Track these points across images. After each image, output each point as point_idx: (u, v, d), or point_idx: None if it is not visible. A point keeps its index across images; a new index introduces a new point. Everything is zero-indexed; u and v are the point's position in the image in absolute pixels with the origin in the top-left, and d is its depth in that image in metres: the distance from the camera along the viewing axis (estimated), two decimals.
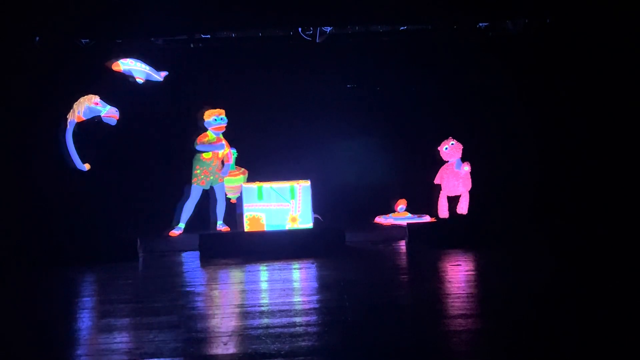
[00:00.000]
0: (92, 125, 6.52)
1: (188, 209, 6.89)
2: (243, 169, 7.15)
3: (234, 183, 7.03)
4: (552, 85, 7.37)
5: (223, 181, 6.99)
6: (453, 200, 7.07)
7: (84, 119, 6.46)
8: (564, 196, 6.99)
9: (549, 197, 7.05)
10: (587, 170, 7.06)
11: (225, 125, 6.88)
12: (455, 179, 6.97)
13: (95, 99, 6.47)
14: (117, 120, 6.51)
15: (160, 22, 7.08)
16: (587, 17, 6.88)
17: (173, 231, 6.87)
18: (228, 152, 6.96)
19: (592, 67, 7.02)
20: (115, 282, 4.83)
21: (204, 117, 6.85)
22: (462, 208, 6.98)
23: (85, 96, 6.48)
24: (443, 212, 7.07)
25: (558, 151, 7.32)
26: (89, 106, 6.42)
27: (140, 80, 6.74)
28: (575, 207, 6.69)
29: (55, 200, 7.06)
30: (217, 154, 6.89)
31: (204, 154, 6.85)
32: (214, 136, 6.87)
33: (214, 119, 6.82)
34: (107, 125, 6.51)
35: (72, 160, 6.48)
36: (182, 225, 6.93)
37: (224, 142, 6.91)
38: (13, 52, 6.74)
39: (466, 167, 6.87)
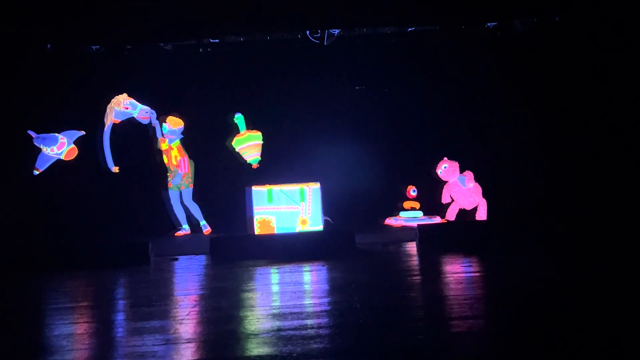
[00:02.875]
0: (126, 127, 6.65)
1: (175, 211, 7.15)
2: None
3: (253, 139, 6.95)
4: (562, 85, 7.31)
5: (185, 189, 7.10)
6: (468, 210, 7.08)
7: (119, 121, 6.59)
8: (577, 200, 6.92)
9: (561, 200, 6.99)
10: (599, 172, 6.98)
11: (166, 135, 6.97)
12: (467, 195, 6.97)
13: (125, 102, 6.57)
14: (149, 120, 6.62)
15: (169, 28, 7.15)
16: (598, 15, 6.81)
17: (179, 232, 7.14)
18: (181, 160, 7.03)
19: (604, 67, 6.94)
20: (127, 286, 4.86)
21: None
22: (482, 215, 6.94)
23: (115, 99, 6.60)
24: (451, 216, 7.08)
25: (567, 153, 7.25)
26: (120, 111, 6.52)
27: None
28: (586, 211, 6.61)
29: (67, 205, 7.14)
30: (171, 160, 7.04)
31: (164, 157, 7.10)
32: (167, 144, 7.05)
33: (162, 125, 6.99)
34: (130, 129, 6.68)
35: (105, 160, 6.59)
36: (185, 226, 7.15)
37: (172, 151, 7.01)
38: (25, 59, 6.83)
39: (471, 184, 6.88)
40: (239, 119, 6.98)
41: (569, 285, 4.21)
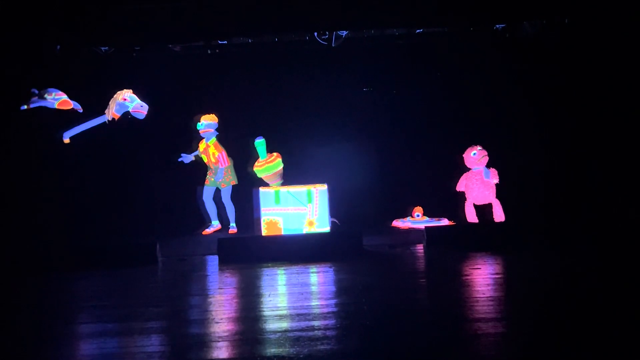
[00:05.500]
0: (125, 123, 6.70)
1: (207, 207, 7.25)
2: (276, 153, 6.95)
3: (272, 170, 6.88)
4: (571, 86, 7.27)
5: (226, 187, 7.17)
6: (479, 208, 6.95)
7: (118, 115, 6.65)
8: (588, 199, 6.86)
9: (569, 201, 6.95)
10: (612, 171, 6.92)
11: (202, 130, 7.10)
12: (485, 188, 6.82)
13: (126, 94, 6.66)
14: (145, 115, 6.68)
15: (178, 29, 7.19)
16: (608, 16, 6.76)
17: (207, 230, 7.24)
18: (219, 155, 7.10)
19: (614, 68, 6.89)
20: (135, 287, 4.88)
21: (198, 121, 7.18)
22: (499, 216, 6.79)
23: (119, 92, 6.67)
24: (472, 218, 6.91)
25: (578, 153, 7.21)
26: (119, 102, 6.63)
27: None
28: (597, 210, 6.57)
29: (75, 205, 7.18)
30: (210, 158, 7.14)
31: (203, 157, 7.22)
32: (204, 143, 7.15)
33: (197, 124, 7.12)
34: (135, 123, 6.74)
35: (69, 129, 6.62)
36: (214, 222, 7.29)
37: (209, 148, 7.12)
38: (35, 60, 6.88)
39: (495, 180, 6.74)
40: (259, 144, 6.82)
41: (572, 288, 4.18)
